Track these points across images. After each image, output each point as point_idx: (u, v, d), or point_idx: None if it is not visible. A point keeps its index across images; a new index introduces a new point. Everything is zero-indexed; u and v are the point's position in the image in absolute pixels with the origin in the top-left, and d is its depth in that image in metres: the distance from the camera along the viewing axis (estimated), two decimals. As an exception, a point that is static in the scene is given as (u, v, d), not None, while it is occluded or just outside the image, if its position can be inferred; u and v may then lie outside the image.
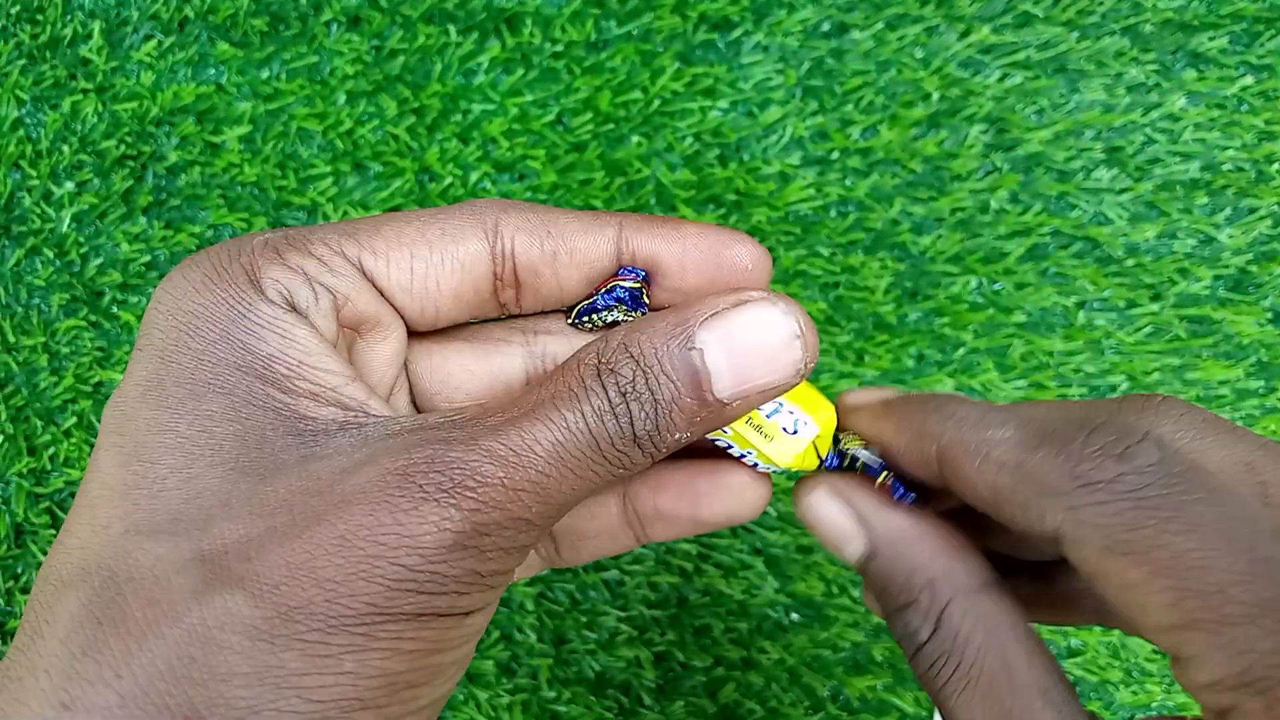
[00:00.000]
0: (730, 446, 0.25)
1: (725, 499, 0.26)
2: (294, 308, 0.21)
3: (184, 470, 0.20)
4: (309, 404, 0.20)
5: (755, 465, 0.25)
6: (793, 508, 0.26)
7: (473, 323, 0.26)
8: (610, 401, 0.20)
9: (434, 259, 0.23)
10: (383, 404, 0.21)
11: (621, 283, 0.24)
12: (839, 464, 0.25)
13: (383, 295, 0.23)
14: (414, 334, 0.25)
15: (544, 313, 0.25)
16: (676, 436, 0.21)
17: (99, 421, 0.43)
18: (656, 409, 0.20)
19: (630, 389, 0.20)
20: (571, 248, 0.23)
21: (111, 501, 0.20)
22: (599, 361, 0.21)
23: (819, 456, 0.25)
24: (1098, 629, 0.42)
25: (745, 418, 0.24)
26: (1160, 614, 0.18)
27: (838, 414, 0.26)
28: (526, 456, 0.19)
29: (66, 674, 0.18)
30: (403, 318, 0.24)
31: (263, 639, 0.18)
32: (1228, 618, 0.17)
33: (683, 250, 0.23)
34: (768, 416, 0.24)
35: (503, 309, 0.25)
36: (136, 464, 0.20)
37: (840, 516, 0.24)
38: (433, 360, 0.25)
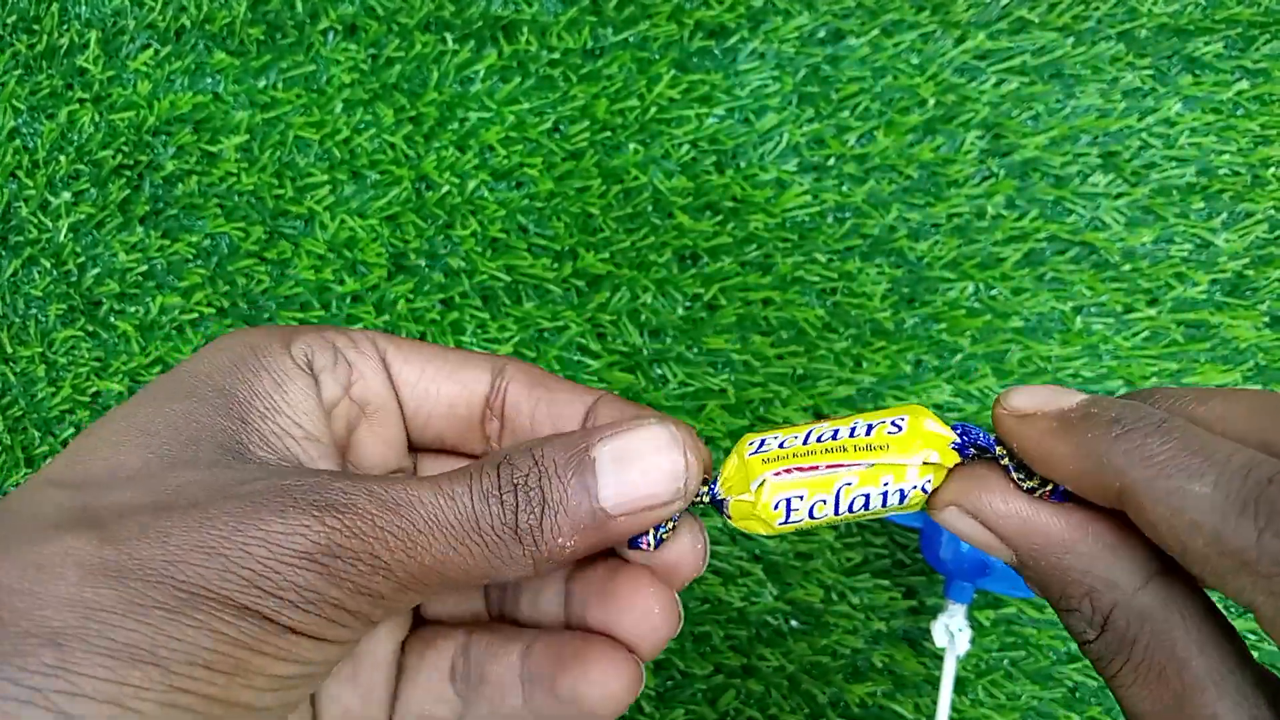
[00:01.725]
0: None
1: (638, 612, 0.25)
2: (310, 367, 0.24)
3: (118, 443, 0.22)
4: (258, 441, 0.22)
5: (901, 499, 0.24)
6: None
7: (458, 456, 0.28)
8: (499, 486, 0.21)
9: (440, 368, 0.26)
10: (335, 465, 0.24)
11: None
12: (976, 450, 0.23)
13: (394, 388, 0.26)
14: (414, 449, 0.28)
15: None
16: (560, 541, 0.22)
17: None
18: (544, 507, 0.21)
19: (523, 482, 0.22)
20: (552, 399, 0.26)
21: (58, 459, 0.22)
22: (502, 456, 0.22)
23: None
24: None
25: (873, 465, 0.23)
26: None
27: (997, 416, 0.23)
28: (404, 507, 0.21)
29: None
30: (404, 415, 0.27)
31: (93, 574, 0.19)
32: None
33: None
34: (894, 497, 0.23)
35: (486, 440, 0.27)
36: (88, 436, 0.22)
37: (979, 533, 0.22)
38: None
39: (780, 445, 0.23)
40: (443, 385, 0.26)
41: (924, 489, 0.23)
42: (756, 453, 0.23)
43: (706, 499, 0.24)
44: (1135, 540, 0.21)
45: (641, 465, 0.22)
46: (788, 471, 0.23)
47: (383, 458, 0.27)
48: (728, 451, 0.25)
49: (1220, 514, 0.18)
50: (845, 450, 0.23)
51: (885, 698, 0.41)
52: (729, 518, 0.24)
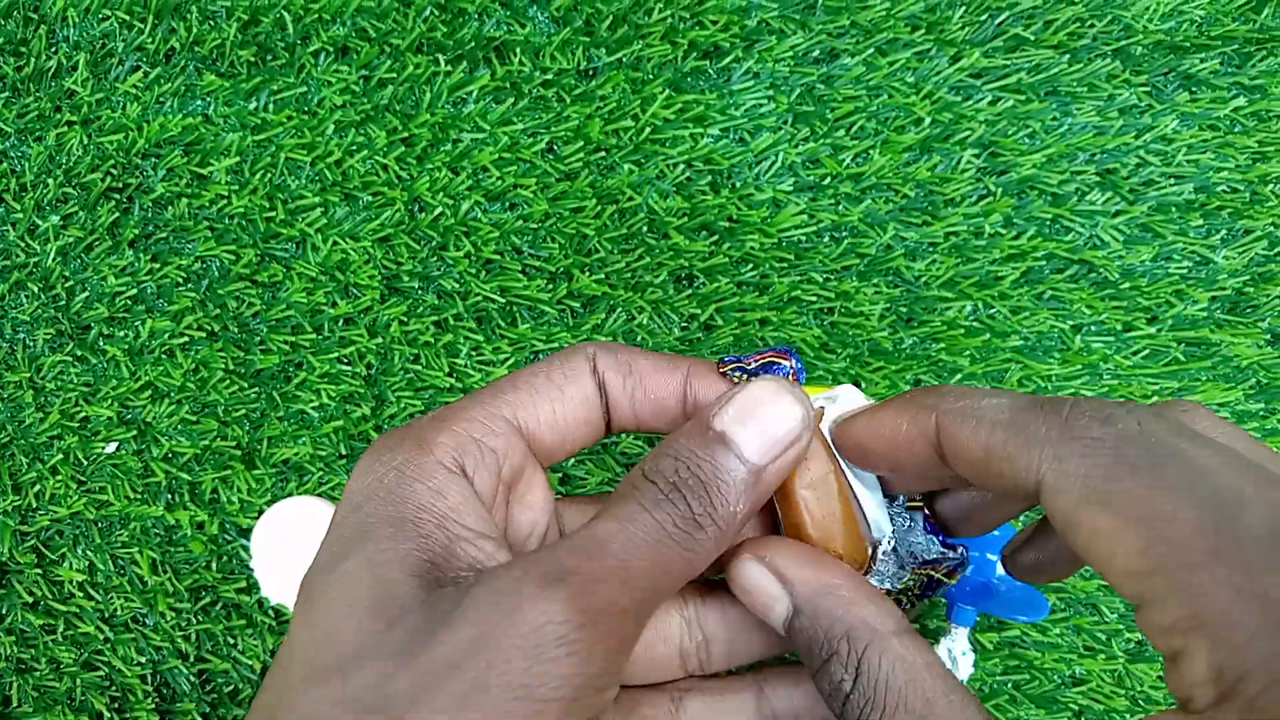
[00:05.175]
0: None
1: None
2: (462, 469, 0.25)
3: (330, 620, 0.22)
4: (440, 554, 0.23)
5: None
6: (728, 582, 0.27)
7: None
8: (662, 490, 0.23)
9: (564, 397, 0.27)
10: (509, 556, 0.24)
11: (782, 362, 0.28)
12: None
13: (529, 445, 0.27)
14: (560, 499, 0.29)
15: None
16: (732, 509, 0.24)
17: (85, 458, 0.42)
18: (705, 488, 0.23)
19: (676, 478, 0.23)
20: (646, 386, 0.28)
21: (286, 652, 0.23)
22: (643, 469, 0.24)
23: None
24: (1101, 656, 0.41)
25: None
26: (1127, 561, 0.20)
27: (835, 445, 0.27)
28: (602, 546, 0.22)
29: None
30: (539, 457, 0.28)
31: None
32: (1187, 564, 0.19)
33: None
34: None
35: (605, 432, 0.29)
36: (302, 615, 0.23)
37: (765, 580, 0.25)
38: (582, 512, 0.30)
39: None
40: (573, 410, 0.27)
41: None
42: None
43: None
44: (885, 597, 0.25)
45: (766, 413, 0.24)
46: None
47: (532, 524, 0.28)
48: None
49: (1014, 412, 0.23)
50: None
51: None
52: None
